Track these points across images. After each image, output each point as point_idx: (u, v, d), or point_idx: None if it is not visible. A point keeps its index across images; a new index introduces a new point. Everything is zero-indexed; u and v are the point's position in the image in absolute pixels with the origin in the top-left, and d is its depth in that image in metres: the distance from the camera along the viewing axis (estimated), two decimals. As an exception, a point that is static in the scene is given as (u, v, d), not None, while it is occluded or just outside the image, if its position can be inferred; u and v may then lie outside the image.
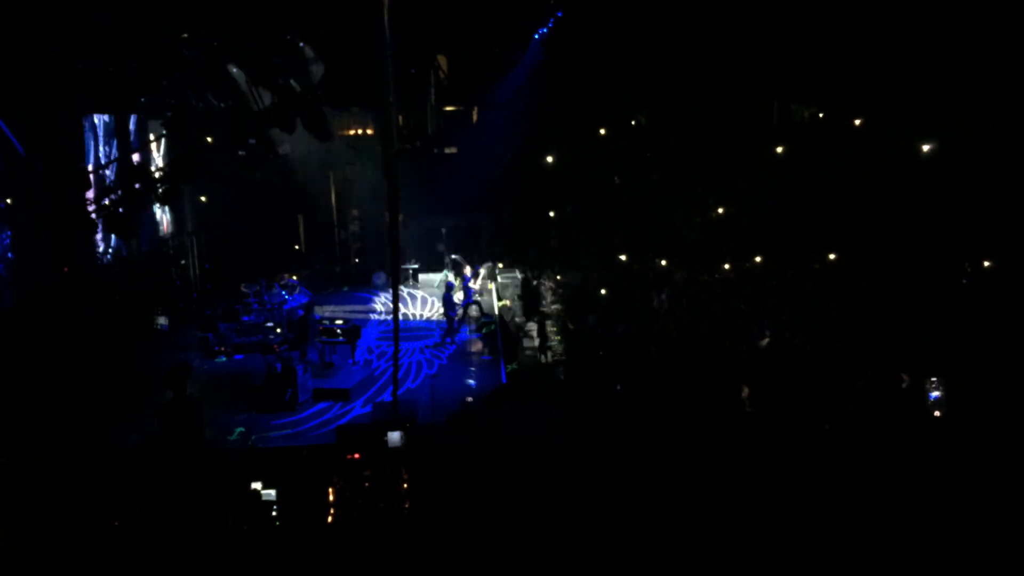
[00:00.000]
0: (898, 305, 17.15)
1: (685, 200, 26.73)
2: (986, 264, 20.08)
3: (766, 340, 15.91)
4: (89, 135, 18.20)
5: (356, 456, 11.85)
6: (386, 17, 11.36)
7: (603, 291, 21.87)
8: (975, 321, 15.13)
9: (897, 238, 22.65)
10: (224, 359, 17.77)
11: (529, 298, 22.52)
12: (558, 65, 21.49)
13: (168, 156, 20.19)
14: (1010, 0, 18.35)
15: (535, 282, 23.25)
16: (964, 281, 18.98)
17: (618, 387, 15.94)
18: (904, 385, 12.40)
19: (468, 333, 19.45)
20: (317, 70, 16.90)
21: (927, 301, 17.27)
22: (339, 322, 17.61)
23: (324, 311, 20.31)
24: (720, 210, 26.45)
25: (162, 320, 19.56)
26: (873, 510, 9.28)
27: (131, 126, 19.79)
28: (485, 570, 9.46)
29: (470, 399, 13.48)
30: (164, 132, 20.05)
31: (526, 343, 19.61)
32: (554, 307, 22.35)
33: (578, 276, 23.90)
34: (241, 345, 18.12)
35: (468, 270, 21.73)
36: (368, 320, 20.58)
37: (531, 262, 24.52)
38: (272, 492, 11.34)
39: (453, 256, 23.34)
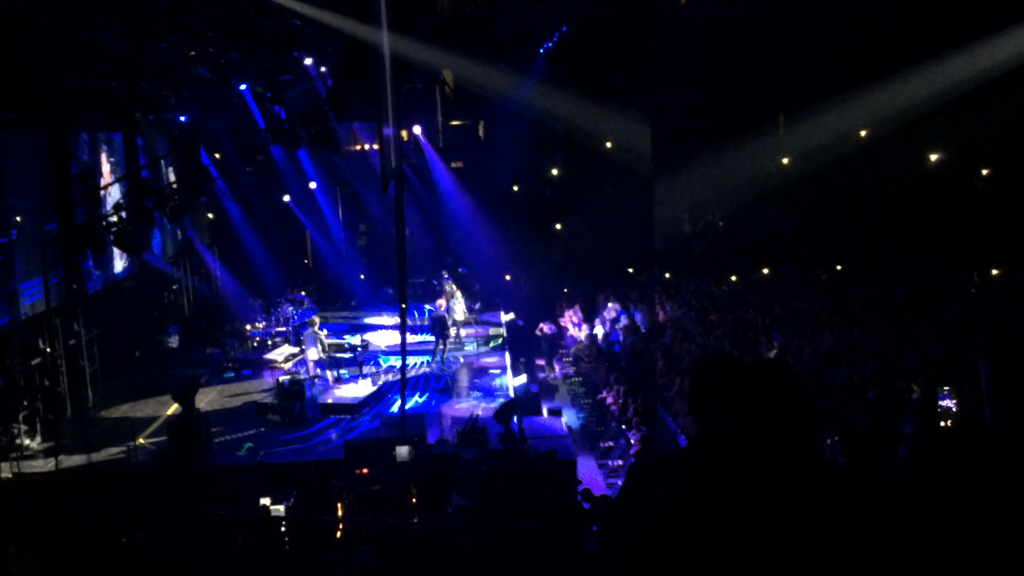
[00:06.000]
0: (908, 315, 17.08)
1: (692, 211, 26.77)
2: (994, 272, 20.01)
3: (774, 351, 15.86)
4: (98, 152, 18.32)
5: (364, 471, 11.83)
6: (386, 34, 11.45)
7: (610, 303, 21.86)
8: (985, 330, 15.06)
9: (905, 248, 22.62)
10: (232, 374, 17.79)
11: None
12: (563, 79, 21.58)
13: (177, 173, 20.30)
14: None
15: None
16: (972, 290, 18.90)
17: (625, 399, 15.90)
18: (914, 396, 12.31)
19: (475, 349, 19.42)
20: (324, 86, 17.02)
21: (936, 310, 17.19)
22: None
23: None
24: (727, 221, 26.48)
25: (173, 338, 19.63)
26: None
27: (140, 143, 19.92)
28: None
29: (479, 413, 13.44)
30: (173, 149, 20.18)
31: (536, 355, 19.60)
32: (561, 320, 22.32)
33: (586, 288, 23.91)
34: (249, 360, 18.14)
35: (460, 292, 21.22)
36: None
37: (539, 275, 24.54)
38: (281, 508, 11.32)
39: (461, 270, 23.35)
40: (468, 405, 15.34)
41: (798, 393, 2.41)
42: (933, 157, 23.47)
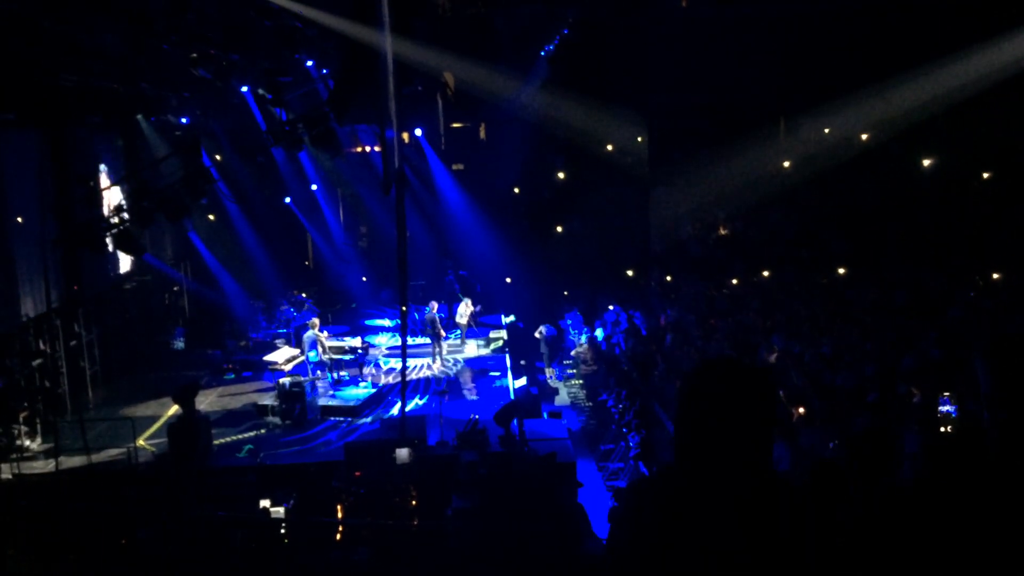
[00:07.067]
0: (908, 318, 17.07)
1: (692, 214, 26.75)
2: (995, 276, 20.01)
3: (775, 354, 15.85)
4: (98, 153, 18.34)
5: (364, 473, 11.82)
6: (388, 36, 11.45)
7: (611, 306, 21.86)
8: (984, 333, 15.05)
9: (906, 251, 22.62)
10: (232, 376, 17.77)
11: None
12: (564, 81, 21.59)
13: (178, 174, 20.30)
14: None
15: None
16: (972, 294, 18.89)
17: (626, 402, 15.89)
18: (915, 399, 12.29)
19: (476, 351, 19.39)
20: (325, 88, 17.01)
21: (937, 314, 17.19)
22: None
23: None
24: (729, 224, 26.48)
25: (178, 340, 19.64)
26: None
27: (140, 144, 19.92)
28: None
29: (478, 415, 13.43)
30: (174, 150, 20.17)
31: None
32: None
33: (586, 291, 23.90)
34: (249, 362, 18.12)
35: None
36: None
37: (539, 277, 24.52)
38: (281, 510, 11.30)
39: (462, 272, 23.33)
40: (468, 407, 15.32)
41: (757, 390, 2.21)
42: (933, 160, 23.47)
